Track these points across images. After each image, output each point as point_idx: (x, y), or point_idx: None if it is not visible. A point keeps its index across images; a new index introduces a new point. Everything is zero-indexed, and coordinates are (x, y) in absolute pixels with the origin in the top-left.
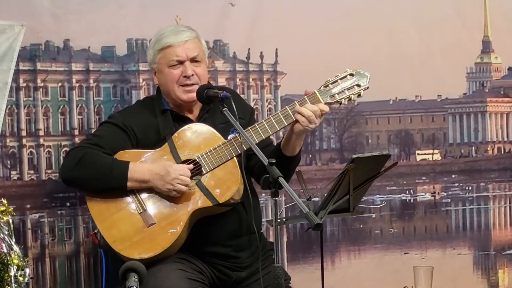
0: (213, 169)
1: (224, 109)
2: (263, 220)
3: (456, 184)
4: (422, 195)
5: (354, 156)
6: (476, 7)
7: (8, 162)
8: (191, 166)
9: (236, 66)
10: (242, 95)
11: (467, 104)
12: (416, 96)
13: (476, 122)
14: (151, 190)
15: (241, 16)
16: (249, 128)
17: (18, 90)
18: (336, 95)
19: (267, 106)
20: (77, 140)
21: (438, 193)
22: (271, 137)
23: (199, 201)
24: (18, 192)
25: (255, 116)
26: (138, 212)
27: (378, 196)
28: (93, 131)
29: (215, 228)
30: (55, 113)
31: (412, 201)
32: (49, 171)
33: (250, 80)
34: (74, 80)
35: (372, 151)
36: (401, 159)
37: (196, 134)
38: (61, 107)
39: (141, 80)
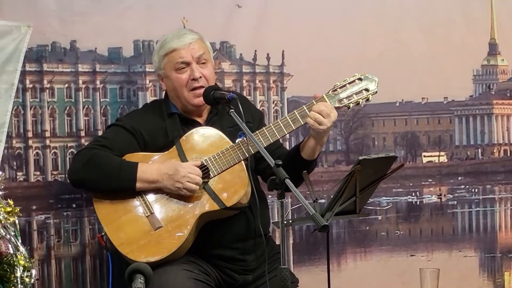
0: (221, 172)
1: (230, 111)
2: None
3: (462, 186)
4: (428, 197)
5: (360, 158)
6: (483, 10)
7: (14, 163)
8: (199, 162)
9: (242, 67)
10: (248, 97)
11: (474, 106)
12: (422, 98)
13: (482, 125)
14: (158, 193)
15: (248, 17)
16: (257, 131)
17: (25, 91)
18: (345, 99)
19: (273, 108)
20: (83, 141)
21: (444, 195)
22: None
23: (206, 204)
24: (24, 193)
25: (264, 120)
26: (145, 215)
27: (384, 198)
28: (99, 132)
29: (222, 231)
30: (62, 114)
31: (418, 203)
32: (55, 172)
33: (257, 81)
34: (80, 81)
35: (379, 153)
36: (407, 161)
37: (204, 138)
38: (67, 108)
39: (147, 82)
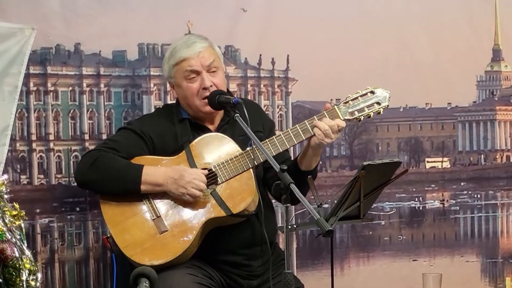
0: (229, 179)
1: (236, 115)
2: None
3: (465, 192)
4: (431, 203)
5: (365, 163)
6: (487, 16)
7: (18, 166)
8: (206, 171)
9: (247, 72)
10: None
11: (477, 112)
12: (426, 103)
13: (485, 130)
14: (165, 196)
15: (253, 22)
16: (266, 140)
17: (28, 94)
18: (356, 112)
19: (278, 113)
20: (87, 144)
21: (447, 200)
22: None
23: (213, 210)
24: (28, 197)
25: (275, 130)
26: (152, 219)
27: (387, 203)
28: (103, 136)
29: (228, 237)
30: (65, 118)
31: (421, 208)
32: (59, 176)
33: (261, 86)
34: (84, 85)
35: (382, 158)
36: (411, 166)
37: (214, 144)
38: (71, 111)
39: (152, 85)
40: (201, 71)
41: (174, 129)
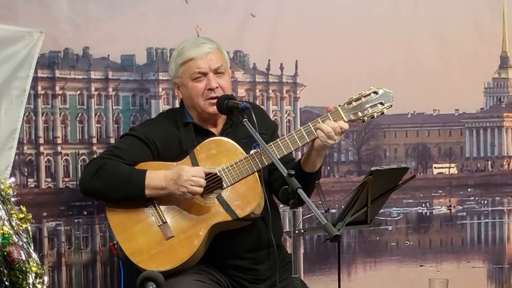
0: (234, 183)
1: (244, 120)
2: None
3: (472, 198)
4: (438, 208)
5: (373, 168)
6: (495, 23)
7: (25, 169)
8: (207, 170)
9: (256, 77)
10: (261, 106)
11: (484, 119)
12: (434, 110)
13: (492, 137)
14: (170, 202)
15: (262, 27)
16: (271, 143)
17: (36, 97)
18: (359, 112)
19: (286, 118)
20: (95, 148)
21: (454, 206)
22: (293, 154)
23: (219, 215)
24: (35, 200)
25: (278, 132)
26: (158, 225)
27: (394, 208)
28: (111, 140)
29: (234, 241)
30: (73, 121)
31: (428, 214)
32: (66, 179)
33: (270, 91)
34: (93, 88)
35: (390, 164)
36: (418, 172)
37: (218, 148)
38: (79, 115)
39: (160, 90)
40: (208, 72)
41: (179, 133)
